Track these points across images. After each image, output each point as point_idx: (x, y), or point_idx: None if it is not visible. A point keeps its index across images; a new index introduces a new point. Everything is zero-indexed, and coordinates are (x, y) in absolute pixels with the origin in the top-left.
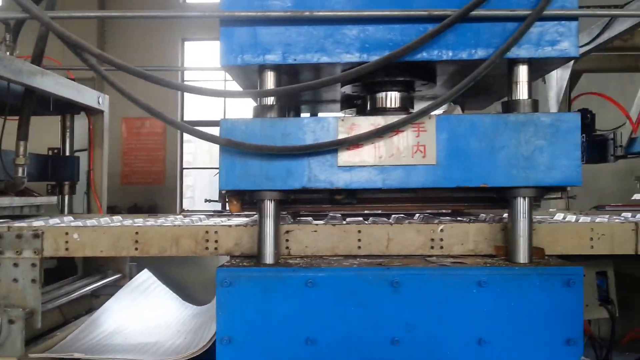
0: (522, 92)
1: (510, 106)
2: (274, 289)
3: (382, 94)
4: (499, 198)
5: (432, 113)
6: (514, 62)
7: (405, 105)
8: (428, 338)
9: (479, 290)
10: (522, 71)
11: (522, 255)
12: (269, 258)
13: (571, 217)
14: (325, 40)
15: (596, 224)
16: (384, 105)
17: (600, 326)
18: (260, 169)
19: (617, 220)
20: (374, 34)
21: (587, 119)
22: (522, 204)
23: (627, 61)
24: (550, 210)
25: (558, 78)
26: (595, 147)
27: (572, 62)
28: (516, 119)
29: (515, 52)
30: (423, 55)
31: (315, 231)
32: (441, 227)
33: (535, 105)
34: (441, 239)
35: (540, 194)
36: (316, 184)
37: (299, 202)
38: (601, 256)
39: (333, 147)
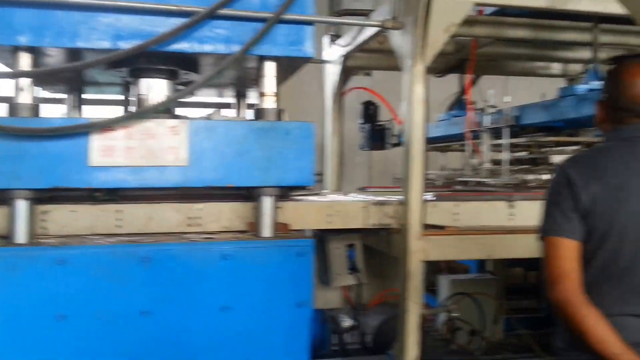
0: (270, 85)
1: (259, 113)
2: (24, 268)
3: (145, 81)
4: (249, 195)
5: (192, 117)
6: (263, 59)
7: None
8: (176, 308)
9: (224, 263)
10: (270, 67)
11: (267, 230)
12: (21, 237)
13: (330, 197)
14: (80, 26)
15: (335, 203)
16: (146, 93)
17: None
18: (12, 166)
19: (352, 200)
20: (129, 24)
21: (371, 110)
22: (266, 200)
23: (390, 61)
24: (323, 190)
25: (331, 74)
26: (377, 135)
27: (342, 59)
28: (262, 125)
29: (262, 50)
30: (177, 47)
31: (74, 211)
32: (199, 206)
33: (279, 114)
34: (199, 217)
35: (284, 192)
36: (70, 184)
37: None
38: (352, 230)
39: (83, 130)
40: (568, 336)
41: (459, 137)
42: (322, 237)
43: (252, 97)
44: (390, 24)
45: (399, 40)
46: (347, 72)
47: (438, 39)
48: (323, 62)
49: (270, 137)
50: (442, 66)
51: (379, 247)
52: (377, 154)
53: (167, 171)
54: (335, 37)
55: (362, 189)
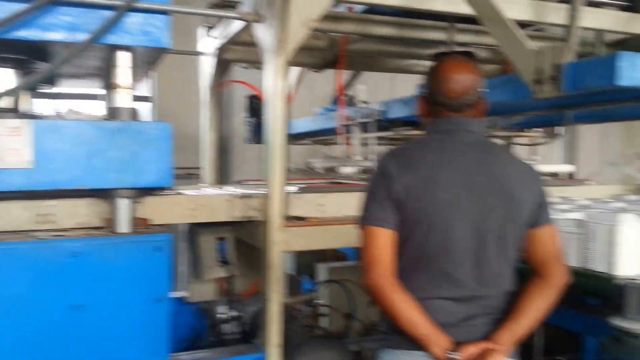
0: (124, 77)
1: (112, 113)
2: None
3: None
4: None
5: (38, 117)
6: (115, 48)
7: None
8: (24, 309)
9: (73, 260)
10: (124, 57)
11: (123, 226)
12: None
13: (200, 191)
14: None
15: (200, 197)
16: None
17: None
18: None
19: (218, 193)
20: None
21: (255, 104)
22: (122, 202)
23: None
24: (200, 184)
25: (206, 66)
26: (262, 129)
27: (217, 52)
28: (114, 126)
29: (112, 39)
30: (18, 34)
31: None
32: (52, 202)
33: (134, 113)
34: (52, 214)
35: (139, 194)
36: None
37: None
38: (225, 223)
39: None
40: (387, 320)
41: (334, 131)
42: (195, 231)
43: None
44: (251, 17)
45: (261, 33)
46: (223, 65)
47: (297, 33)
48: (197, 54)
49: (124, 137)
50: (320, 61)
51: (247, 240)
52: None
53: (10, 174)
54: (210, 29)
55: (239, 182)
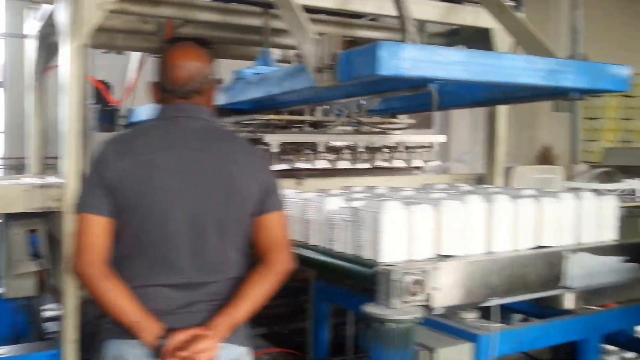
0: None
1: None
2: None
3: None
4: None
5: None
6: None
7: None
8: None
9: None
10: None
11: None
12: None
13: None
14: None
15: None
16: None
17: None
18: None
19: (15, 183)
20: None
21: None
22: None
23: (107, 39)
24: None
25: (30, 50)
26: (107, 116)
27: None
28: None
29: None
30: None
31: None
32: None
33: None
34: None
35: None
36: None
37: None
38: (35, 214)
39: None
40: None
41: None
42: (5, 223)
43: None
44: None
45: (59, 15)
46: (50, 49)
47: (93, 15)
48: (22, 37)
49: None
50: (157, 46)
51: (53, 232)
52: None
53: None
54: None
55: None
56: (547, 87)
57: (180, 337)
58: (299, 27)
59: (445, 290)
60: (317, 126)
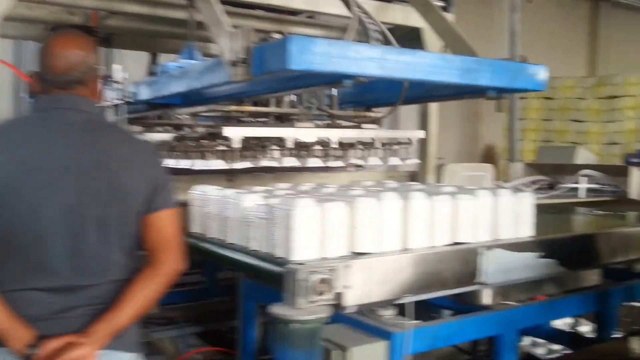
0: None
1: None
2: None
3: None
4: None
5: None
6: None
7: None
8: None
9: None
10: None
11: None
12: None
13: None
14: None
15: None
16: None
17: None
18: None
19: None
20: None
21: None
22: None
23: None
24: None
25: None
26: None
27: None
28: None
29: None
30: None
31: None
32: None
33: None
34: None
35: None
36: None
37: None
38: None
39: None
40: None
41: None
42: None
43: None
44: None
45: None
46: None
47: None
48: None
49: None
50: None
51: None
52: None
53: None
54: None
55: None
56: (465, 85)
57: (52, 345)
58: (214, 20)
59: (357, 288)
60: (283, 119)
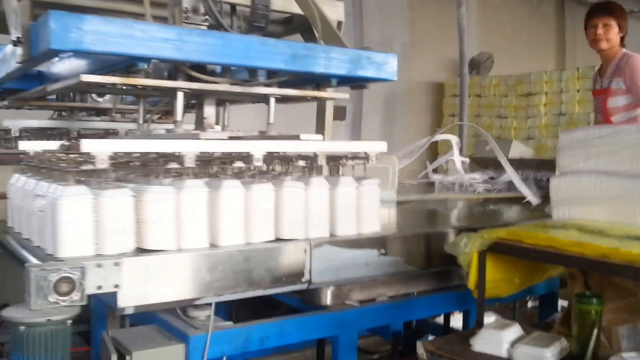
0: None
1: None
2: None
3: None
4: None
5: None
6: None
7: None
8: None
9: None
10: None
11: None
12: None
13: None
14: None
15: None
16: None
17: None
18: None
19: None
20: None
21: None
22: None
23: None
24: None
25: None
26: None
27: None
28: None
29: None
30: None
31: None
32: None
33: None
34: None
35: None
36: None
37: None
38: None
39: None
40: None
41: None
42: None
43: None
44: None
45: None
46: None
47: None
48: None
49: None
50: None
51: None
52: None
53: None
54: None
55: None
56: (298, 73)
57: None
58: None
59: (133, 288)
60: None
